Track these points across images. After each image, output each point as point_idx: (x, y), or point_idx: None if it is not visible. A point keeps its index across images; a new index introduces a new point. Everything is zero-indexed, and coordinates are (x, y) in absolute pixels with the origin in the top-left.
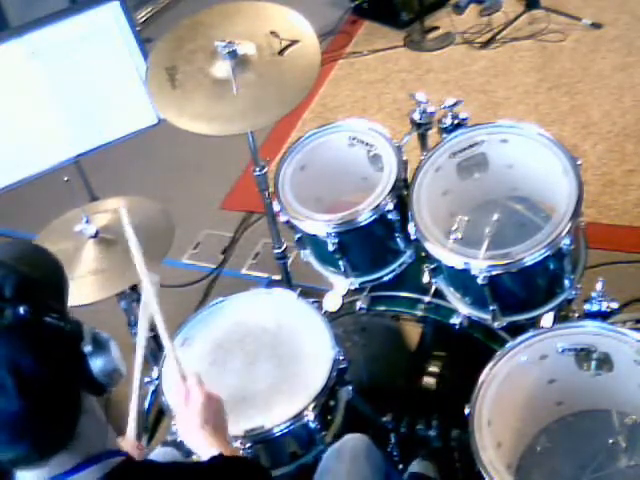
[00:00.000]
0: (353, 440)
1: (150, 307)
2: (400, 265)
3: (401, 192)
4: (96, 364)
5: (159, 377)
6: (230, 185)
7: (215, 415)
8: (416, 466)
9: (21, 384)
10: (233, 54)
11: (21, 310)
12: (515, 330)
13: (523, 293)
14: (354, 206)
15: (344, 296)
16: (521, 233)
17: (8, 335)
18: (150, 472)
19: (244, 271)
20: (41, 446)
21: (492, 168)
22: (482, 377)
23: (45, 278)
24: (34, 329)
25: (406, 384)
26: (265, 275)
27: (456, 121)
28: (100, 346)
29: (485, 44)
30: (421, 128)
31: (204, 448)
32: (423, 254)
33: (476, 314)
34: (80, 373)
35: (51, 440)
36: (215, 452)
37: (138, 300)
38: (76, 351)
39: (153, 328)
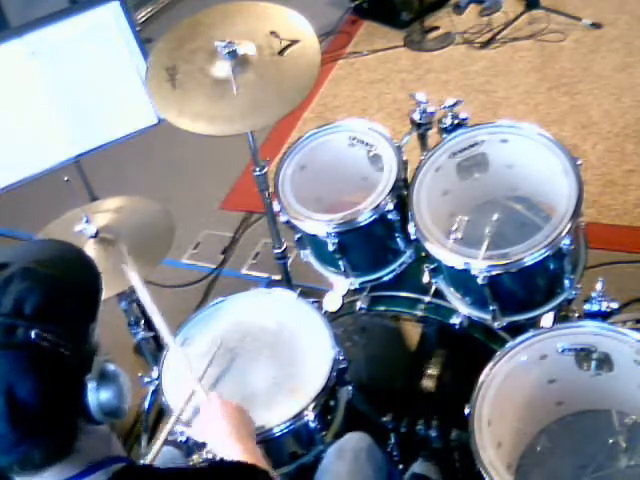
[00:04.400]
0: (355, 439)
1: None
2: (400, 265)
3: (401, 192)
4: (96, 399)
5: (159, 377)
6: (230, 185)
7: (237, 413)
8: (418, 467)
9: (12, 408)
10: (233, 54)
11: (32, 334)
12: (515, 330)
13: (523, 293)
14: (354, 206)
15: (344, 296)
16: (521, 233)
17: (12, 355)
18: (150, 477)
19: (244, 271)
20: (25, 462)
21: (492, 168)
22: (482, 377)
23: (78, 292)
24: (39, 355)
25: (406, 384)
26: (265, 275)
27: (456, 121)
28: (106, 381)
29: (485, 44)
30: (421, 128)
31: (228, 445)
32: (423, 254)
33: (476, 314)
34: (77, 405)
35: (37, 457)
36: (238, 449)
37: (138, 300)
38: (78, 385)
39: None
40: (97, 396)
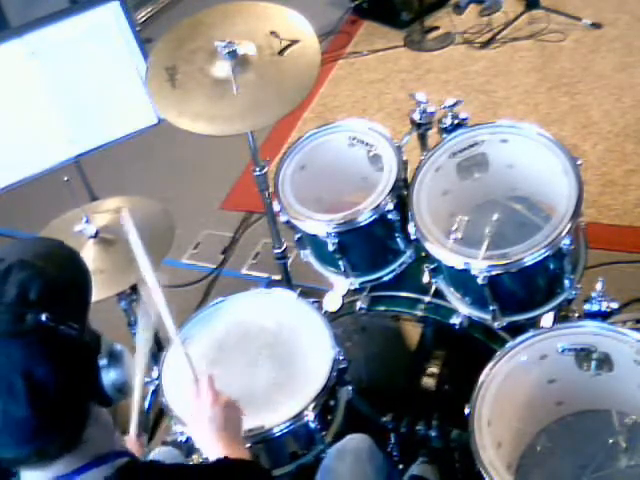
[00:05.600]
0: (355, 440)
1: (157, 307)
2: (400, 265)
3: (401, 192)
4: (108, 377)
5: (159, 377)
6: (230, 185)
7: (224, 414)
8: (416, 469)
9: (31, 391)
10: (233, 54)
11: (43, 317)
12: (515, 330)
13: (523, 293)
14: (354, 206)
15: (344, 296)
16: (521, 233)
17: (26, 340)
18: (154, 472)
19: (244, 271)
20: (44, 451)
21: (492, 168)
22: (482, 377)
23: (72, 285)
24: (53, 337)
25: (406, 384)
26: (265, 275)
27: (456, 121)
28: (115, 360)
29: (485, 44)
30: (421, 128)
31: (211, 445)
32: (423, 254)
33: (476, 314)
34: (91, 385)
35: (55, 446)
36: (221, 450)
37: (138, 300)
38: (91, 363)
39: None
40: (109, 374)
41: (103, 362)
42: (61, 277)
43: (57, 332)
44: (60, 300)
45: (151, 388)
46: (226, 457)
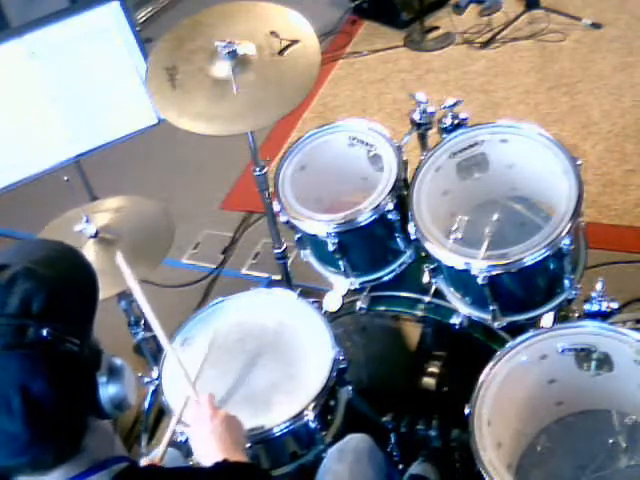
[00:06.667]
0: (356, 440)
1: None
2: (400, 265)
3: (401, 192)
4: (106, 393)
5: (159, 377)
6: (230, 185)
7: (224, 426)
8: (416, 468)
9: (27, 407)
10: (233, 54)
11: (44, 332)
12: (515, 330)
13: (523, 293)
14: (354, 206)
15: (344, 296)
16: (521, 233)
17: (25, 355)
18: (152, 476)
19: (244, 271)
20: (38, 462)
21: (492, 168)
22: (482, 377)
23: (77, 296)
24: (53, 353)
25: (406, 384)
26: (265, 275)
27: (456, 121)
28: (114, 376)
29: (485, 44)
30: (421, 128)
31: (212, 457)
32: (423, 254)
33: (476, 314)
34: (89, 401)
35: (49, 457)
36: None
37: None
38: (89, 380)
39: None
40: (107, 391)
41: (102, 379)
42: (67, 288)
43: (57, 348)
44: (63, 313)
45: (151, 388)
46: (225, 460)
